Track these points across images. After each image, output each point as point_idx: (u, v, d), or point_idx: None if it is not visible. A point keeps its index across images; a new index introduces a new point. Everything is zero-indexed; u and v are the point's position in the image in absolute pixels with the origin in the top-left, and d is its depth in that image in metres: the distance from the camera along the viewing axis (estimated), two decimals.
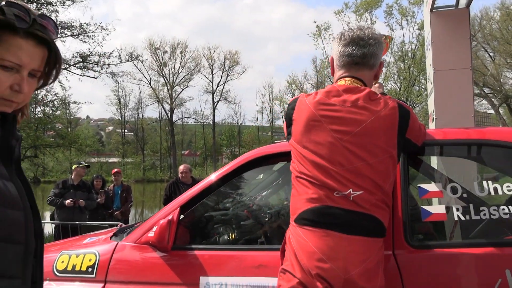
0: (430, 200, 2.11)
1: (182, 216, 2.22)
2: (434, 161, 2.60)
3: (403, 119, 1.68)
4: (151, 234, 2.14)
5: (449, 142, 2.09)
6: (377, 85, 2.03)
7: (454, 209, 1.87)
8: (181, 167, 7.02)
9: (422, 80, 28.45)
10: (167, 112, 51.14)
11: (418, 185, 1.94)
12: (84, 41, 16.61)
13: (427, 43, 4.61)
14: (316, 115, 1.66)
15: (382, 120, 1.63)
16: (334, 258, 1.52)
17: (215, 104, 51.75)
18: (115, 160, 54.30)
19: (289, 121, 1.77)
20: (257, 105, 63.85)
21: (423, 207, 1.90)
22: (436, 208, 1.89)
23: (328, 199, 1.57)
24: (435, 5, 4.18)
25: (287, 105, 1.85)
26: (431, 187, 1.94)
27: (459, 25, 4.12)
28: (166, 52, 50.03)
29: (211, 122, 53.08)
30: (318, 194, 1.59)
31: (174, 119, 51.52)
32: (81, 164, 7.35)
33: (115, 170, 8.50)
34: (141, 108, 54.93)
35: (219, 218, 2.49)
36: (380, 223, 1.61)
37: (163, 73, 50.19)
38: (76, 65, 16.62)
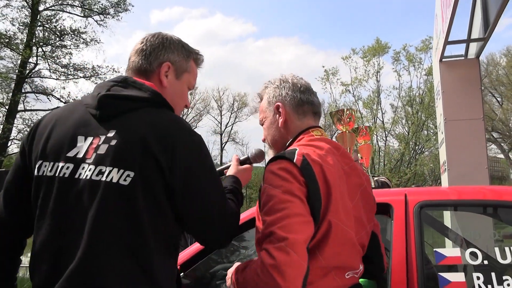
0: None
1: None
2: (448, 221, 2.47)
3: None
4: None
5: (464, 203, 1.99)
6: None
7: (475, 278, 1.73)
8: None
9: (431, 125, 28.36)
10: None
11: (434, 249, 1.81)
12: (96, 83, 16.94)
13: (437, 92, 4.56)
14: (337, 179, 1.36)
15: (367, 180, 1.57)
16: None
17: (223, 145, 52.01)
18: None
19: (315, 195, 1.28)
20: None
21: (440, 274, 1.76)
22: (455, 276, 1.75)
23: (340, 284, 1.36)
24: (444, 55, 4.17)
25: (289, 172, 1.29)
26: (448, 252, 1.81)
27: (469, 75, 4.09)
28: None
29: (219, 163, 53.14)
30: (332, 281, 1.33)
31: None
32: None
33: None
34: None
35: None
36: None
37: None
38: None
